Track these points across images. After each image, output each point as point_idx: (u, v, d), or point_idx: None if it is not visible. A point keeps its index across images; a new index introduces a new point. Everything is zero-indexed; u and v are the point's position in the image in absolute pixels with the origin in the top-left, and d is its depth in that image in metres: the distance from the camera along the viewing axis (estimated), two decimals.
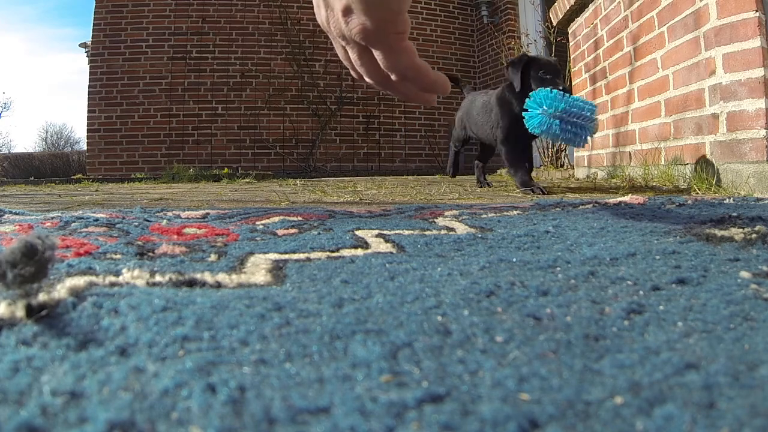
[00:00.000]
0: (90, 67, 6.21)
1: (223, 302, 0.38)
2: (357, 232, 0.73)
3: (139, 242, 0.65)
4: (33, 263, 0.37)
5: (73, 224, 0.81)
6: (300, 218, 0.91)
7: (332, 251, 0.60)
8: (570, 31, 3.39)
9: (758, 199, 1.15)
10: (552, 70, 1.94)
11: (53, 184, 4.15)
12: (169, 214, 1.00)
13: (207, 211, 1.06)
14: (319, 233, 0.73)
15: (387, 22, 0.60)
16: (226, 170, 5.05)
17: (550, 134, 1.61)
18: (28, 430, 0.21)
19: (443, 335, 0.32)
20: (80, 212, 0.99)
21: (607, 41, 2.76)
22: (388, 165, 6.35)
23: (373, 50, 0.63)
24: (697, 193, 1.56)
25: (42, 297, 0.37)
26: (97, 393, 0.24)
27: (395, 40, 0.62)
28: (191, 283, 0.44)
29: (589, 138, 1.65)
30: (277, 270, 0.51)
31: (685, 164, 1.88)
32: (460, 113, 2.46)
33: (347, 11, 0.59)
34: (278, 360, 0.28)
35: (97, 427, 0.21)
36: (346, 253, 0.59)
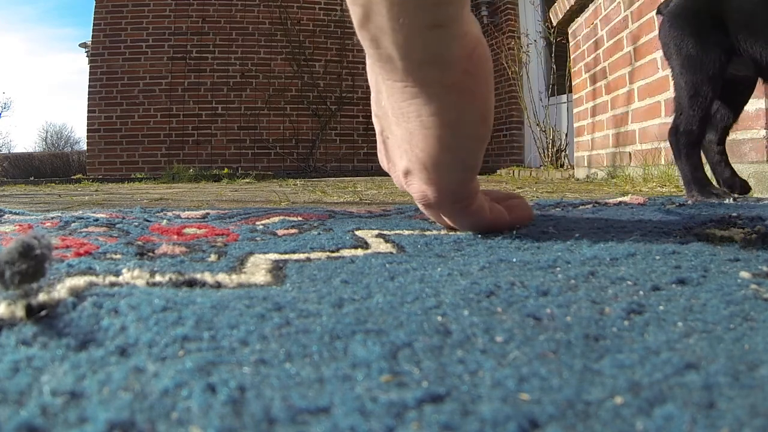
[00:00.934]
0: (90, 67, 6.21)
1: (223, 302, 0.38)
2: (357, 232, 0.73)
3: (139, 242, 0.65)
4: (30, 262, 0.37)
5: (73, 224, 0.81)
6: (300, 218, 0.91)
7: (332, 251, 0.60)
8: (570, 31, 3.40)
9: (758, 199, 1.15)
10: None
11: (53, 184, 4.15)
12: (169, 214, 1.00)
13: (207, 211, 1.06)
14: (319, 233, 0.73)
15: (449, 193, 0.53)
16: (226, 170, 5.05)
17: None
18: (28, 430, 0.21)
19: (443, 335, 0.32)
20: (80, 212, 0.99)
21: (607, 41, 2.76)
22: None
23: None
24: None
25: (42, 297, 0.37)
26: (97, 393, 0.24)
27: (458, 209, 0.55)
28: (191, 283, 0.44)
29: None
30: (277, 270, 0.51)
31: None
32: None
33: (408, 173, 0.53)
34: (278, 360, 0.29)
35: (97, 427, 0.21)
36: (346, 253, 0.59)
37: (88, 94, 6.02)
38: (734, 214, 0.80)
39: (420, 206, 0.60)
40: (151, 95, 6.05)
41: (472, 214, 0.57)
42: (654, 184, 1.97)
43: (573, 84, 3.43)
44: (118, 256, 0.56)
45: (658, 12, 1.19)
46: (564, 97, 4.49)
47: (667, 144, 1.21)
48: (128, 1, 6.05)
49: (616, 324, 0.34)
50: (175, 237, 0.71)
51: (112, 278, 0.45)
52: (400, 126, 0.50)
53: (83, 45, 7.27)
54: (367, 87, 0.57)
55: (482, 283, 0.43)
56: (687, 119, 1.10)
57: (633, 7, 2.40)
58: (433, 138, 0.48)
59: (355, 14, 0.44)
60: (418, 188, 0.53)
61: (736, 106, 1.14)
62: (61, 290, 0.39)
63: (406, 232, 0.74)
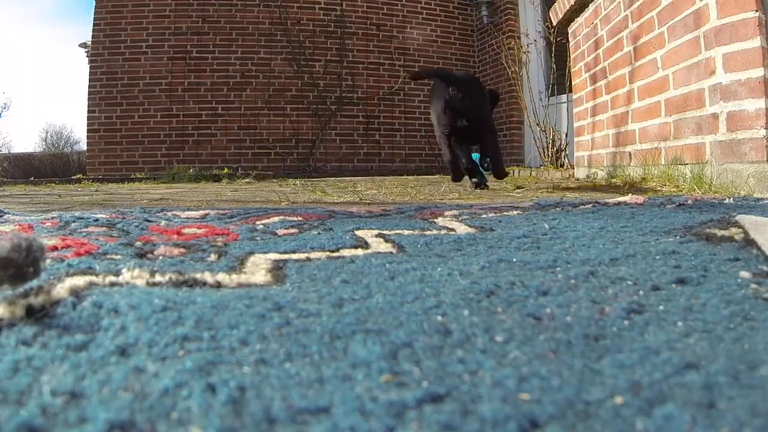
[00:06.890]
0: (90, 67, 6.21)
1: (223, 302, 0.38)
2: (357, 232, 0.73)
3: (139, 242, 0.65)
4: (22, 262, 0.37)
5: (73, 224, 0.81)
6: (300, 218, 0.91)
7: (332, 251, 0.60)
8: (570, 31, 3.39)
9: (758, 199, 1.15)
10: None
11: (53, 184, 4.15)
12: (169, 214, 1.00)
13: (207, 211, 1.06)
14: (319, 233, 0.73)
15: None
16: (226, 170, 5.05)
17: None
18: (28, 430, 0.21)
19: (443, 335, 0.32)
20: (80, 212, 0.99)
21: (607, 41, 2.76)
22: (388, 165, 6.34)
23: None
24: (697, 193, 1.56)
25: (42, 297, 0.37)
26: (97, 393, 0.24)
27: None
28: (191, 283, 0.44)
29: None
30: (277, 270, 0.51)
31: (685, 164, 1.88)
32: None
33: None
34: (278, 360, 0.28)
35: (97, 427, 0.21)
36: (346, 253, 0.59)
37: (88, 94, 6.02)
38: (734, 214, 0.80)
39: None
40: (151, 95, 6.05)
41: None
42: (654, 184, 1.97)
43: (573, 84, 3.43)
44: (118, 256, 0.56)
45: None
46: (564, 97, 4.49)
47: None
48: (128, 1, 6.05)
49: (616, 324, 0.34)
50: (175, 237, 0.71)
51: (112, 278, 0.45)
52: None
53: (83, 45, 7.26)
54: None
55: (482, 283, 0.43)
56: None
57: (633, 7, 2.40)
58: None
59: None
60: None
61: None
62: (61, 290, 0.39)
63: (406, 232, 0.74)
